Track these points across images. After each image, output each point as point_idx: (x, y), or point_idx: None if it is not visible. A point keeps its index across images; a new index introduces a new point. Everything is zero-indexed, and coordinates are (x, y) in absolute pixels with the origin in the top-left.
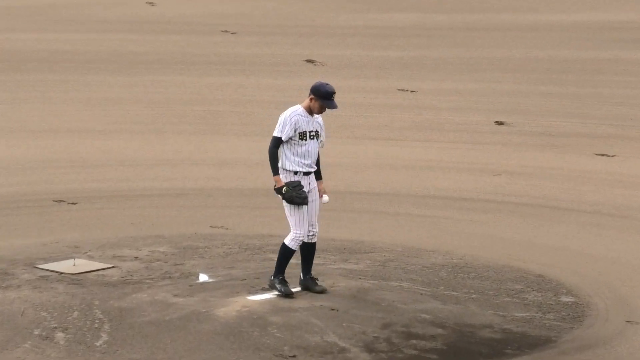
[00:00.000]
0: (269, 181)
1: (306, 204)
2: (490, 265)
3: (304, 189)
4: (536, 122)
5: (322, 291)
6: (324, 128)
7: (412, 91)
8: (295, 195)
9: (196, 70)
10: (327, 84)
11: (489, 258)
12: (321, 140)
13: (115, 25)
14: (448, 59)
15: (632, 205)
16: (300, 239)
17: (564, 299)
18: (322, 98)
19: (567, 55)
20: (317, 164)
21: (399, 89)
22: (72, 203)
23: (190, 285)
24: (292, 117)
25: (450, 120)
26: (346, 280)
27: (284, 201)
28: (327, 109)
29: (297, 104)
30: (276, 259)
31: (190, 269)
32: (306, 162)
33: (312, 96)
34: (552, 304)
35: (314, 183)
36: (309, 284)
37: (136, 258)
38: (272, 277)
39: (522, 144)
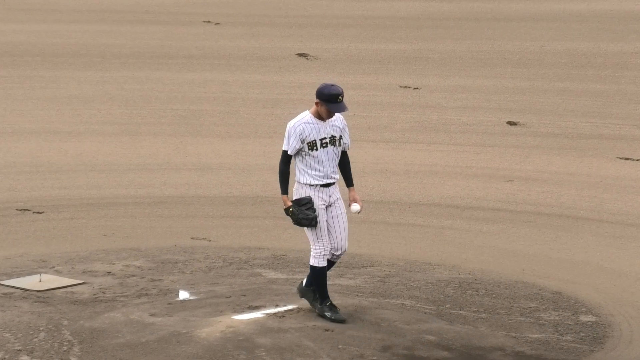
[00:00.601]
0: (256, 188)
1: (314, 225)
2: (502, 281)
3: (313, 206)
4: (552, 122)
5: (342, 320)
6: (346, 128)
7: (415, 88)
8: (302, 217)
9: (176, 65)
10: (333, 85)
11: (500, 273)
12: (344, 144)
13: (85, 15)
14: (455, 52)
15: None
16: (323, 253)
17: (584, 318)
18: (327, 101)
19: (587, 48)
20: (346, 168)
21: (401, 86)
22: (38, 212)
23: (169, 304)
24: (297, 127)
25: (457, 120)
26: (342, 298)
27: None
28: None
29: (297, 108)
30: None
31: (169, 286)
32: (321, 173)
33: (317, 100)
34: (570, 324)
35: (337, 194)
36: (307, 295)
37: (109, 273)
38: (320, 305)
39: (537, 147)
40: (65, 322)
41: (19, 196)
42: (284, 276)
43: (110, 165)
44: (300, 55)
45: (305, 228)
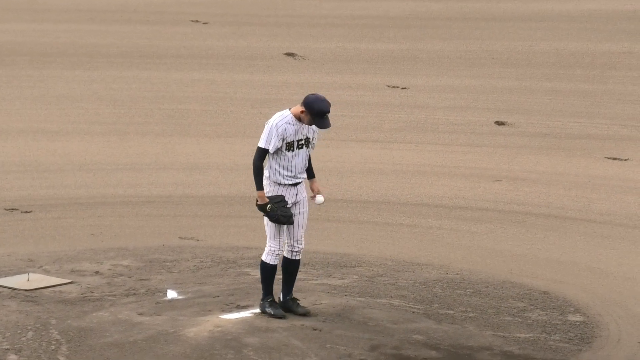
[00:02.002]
0: (244, 188)
1: (292, 223)
2: (490, 280)
3: (287, 204)
4: (541, 122)
5: (305, 313)
6: (317, 131)
7: (403, 88)
8: (280, 214)
9: (163, 65)
10: (323, 100)
11: (488, 273)
12: (313, 144)
13: (73, 14)
14: (443, 52)
15: None
16: (277, 252)
17: (572, 318)
18: (314, 115)
19: (576, 48)
20: (309, 162)
21: (389, 86)
22: (26, 212)
23: (157, 303)
24: (280, 126)
25: (445, 120)
26: (330, 298)
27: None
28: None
29: (285, 107)
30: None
31: (157, 285)
32: (293, 173)
33: (303, 109)
34: (558, 324)
35: (303, 193)
36: (290, 306)
37: (97, 273)
38: (261, 300)
39: (525, 147)
40: (53, 321)
41: (7, 195)
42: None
43: (98, 164)
44: (289, 54)
45: (265, 224)
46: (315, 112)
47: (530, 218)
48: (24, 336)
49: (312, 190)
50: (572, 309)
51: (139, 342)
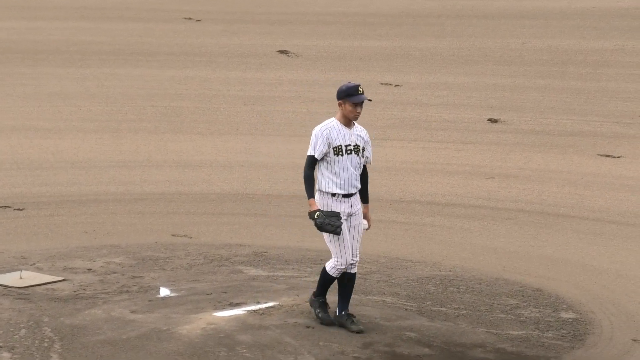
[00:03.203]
0: (237, 185)
1: (338, 233)
2: (483, 278)
3: (340, 219)
4: (534, 119)
5: (359, 331)
6: (370, 142)
7: (396, 85)
8: (327, 222)
9: (156, 62)
10: (349, 81)
11: (481, 270)
12: (366, 157)
13: (66, 11)
14: (436, 49)
15: (639, 211)
16: (341, 267)
17: (564, 315)
18: (348, 95)
19: (568, 45)
20: (365, 183)
21: (382, 83)
22: (19, 209)
23: (150, 301)
24: (324, 130)
25: (438, 117)
26: None
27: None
28: (361, 108)
29: (281, 104)
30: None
31: (150, 282)
32: (343, 180)
33: (339, 101)
34: (550, 321)
35: (358, 205)
36: (345, 322)
37: (90, 270)
38: (314, 296)
39: (518, 144)
40: (46, 319)
41: (0, 193)
42: (265, 273)
43: (90, 162)
44: (281, 52)
45: (328, 241)
46: (346, 92)
47: (523, 215)
48: (17, 334)
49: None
50: (564, 306)
51: (131, 339)
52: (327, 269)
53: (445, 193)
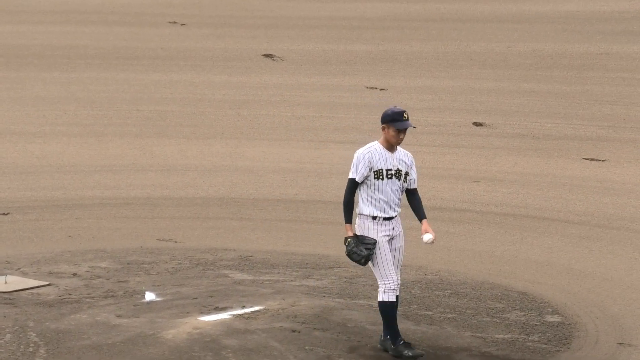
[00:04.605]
0: (223, 189)
1: (363, 264)
2: (468, 281)
3: (372, 248)
4: (519, 123)
5: (419, 355)
6: (414, 165)
7: (381, 89)
8: (354, 252)
9: (141, 66)
10: (395, 106)
11: (466, 274)
12: (410, 180)
13: (50, 15)
14: (422, 53)
15: (624, 215)
16: (392, 288)
17: (550, 319)
18: (393, 121)
19: (553, 49)
20: (419, 205)
21: (367, 87)
22: (3, 214)
23: (136, 305)
24: (366, 154)
25: (423, 121)
26: (309, 299)
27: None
28: (404, 134)
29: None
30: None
31: (135, 287)
32: (383, 204)
33: (383, 125)
34: (536, 325)
35: (399, 228)
36: (396, 347)
37: (75, 275)
38: (392, 345)
39: (503, 148)
40: (31, 324)
41: None
42: (250, 277)
43: (76, 166)
44: (267, 56)
45: (371, 266)
46: (391, 117)
47: (508, 219)
48: (2, 339)
49: (423, 230)
50: (550, 309)
51: (117, 344)
52: (381, 298)
53: (431, 197)
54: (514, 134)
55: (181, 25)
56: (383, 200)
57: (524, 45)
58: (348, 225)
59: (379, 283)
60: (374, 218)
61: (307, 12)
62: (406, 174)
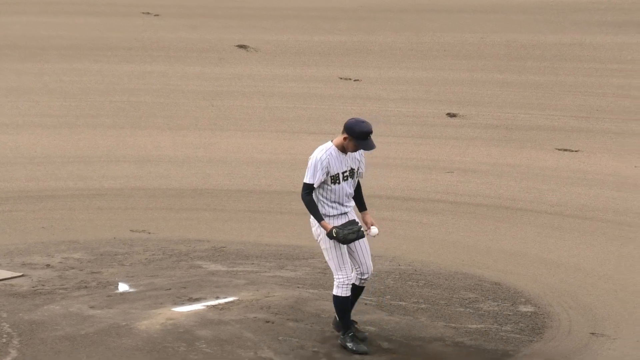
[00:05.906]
0: (196, 180)
1: (363, 236)
2: (442, 272)
3: (356, 223)
4: (492, 114)
5: (363, 339)
6: (364, 158)
7: (355, 80)
8: (347, 233)
9: (115, 57)
10: (363, 122)
11: (439, 264)
12: (361, 172)
13: (23, 6)
14: (395, 44)
15: (597, 206)
16: (346, 282)
17: (523, 309)
18: (357, 138)
19: (526, 39)
20: (359, 193)
21: (341, 78)
22: None
23: (109, 296)
24: (324, 160)
25: (397, 112)
26: (282, 290)
27: (321, 246)
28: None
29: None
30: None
31: (109, 278)
32: (338, 204)
33: (345, 135)
34: (509, 315)
35: (354, 218)
36: (345, 339)
37: (48, 266)
38: (342, 335)
39: (476, 138)
40: (4, 315)
41: None
42: (224, 268)
43: (48, 157)
44: (241, 47)
45: (327, 259)
46: (357, 134)
47: (482, 209)
48: None
49: (366, 222)
50: (523, 299)
51: (90, 335)
52: (334, 293)
53: (404, 187)
54: (487, 124)
55: (155, 15)
56: (337, 202)
57: (497, 35)
58: (324, 222)
59: (334, 276)
60: (330, 216)
61: (281, 3)
62: (358, 169)
